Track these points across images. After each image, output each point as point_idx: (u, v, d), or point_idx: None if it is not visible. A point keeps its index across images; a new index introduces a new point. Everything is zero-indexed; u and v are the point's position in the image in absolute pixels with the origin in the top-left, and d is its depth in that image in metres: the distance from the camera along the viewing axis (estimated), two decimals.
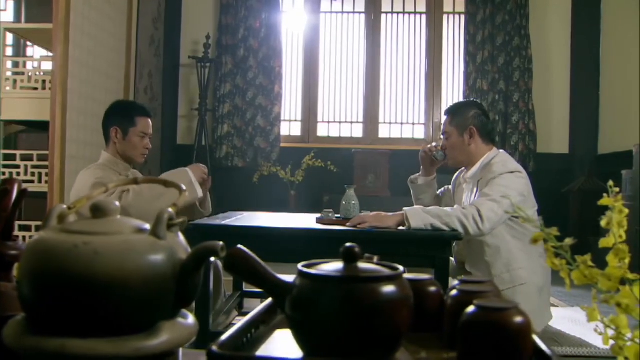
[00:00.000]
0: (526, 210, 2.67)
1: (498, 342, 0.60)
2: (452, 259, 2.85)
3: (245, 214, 2.97)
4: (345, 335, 0.61)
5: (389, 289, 0.62)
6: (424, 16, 5.76)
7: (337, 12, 5.85)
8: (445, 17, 5.75)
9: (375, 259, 0.74)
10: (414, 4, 5.77)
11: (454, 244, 2.83)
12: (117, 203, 2.06)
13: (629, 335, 0.81)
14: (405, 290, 0.64)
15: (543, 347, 0.62)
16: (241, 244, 2.34)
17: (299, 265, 0.66)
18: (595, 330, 0.84)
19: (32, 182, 3.67)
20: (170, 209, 0.67)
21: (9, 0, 5.96)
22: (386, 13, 5.80)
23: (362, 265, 0.66)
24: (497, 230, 2.46)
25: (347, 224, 2.39)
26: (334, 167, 5.32)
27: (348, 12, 5.85)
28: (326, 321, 0.61)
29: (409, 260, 2.47)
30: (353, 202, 2.61)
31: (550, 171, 5.32)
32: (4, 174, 3.66)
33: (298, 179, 5.34)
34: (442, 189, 3.01)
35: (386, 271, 0.65)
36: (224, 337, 0.63)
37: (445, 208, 2.42)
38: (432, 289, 0.78)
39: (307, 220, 2.66)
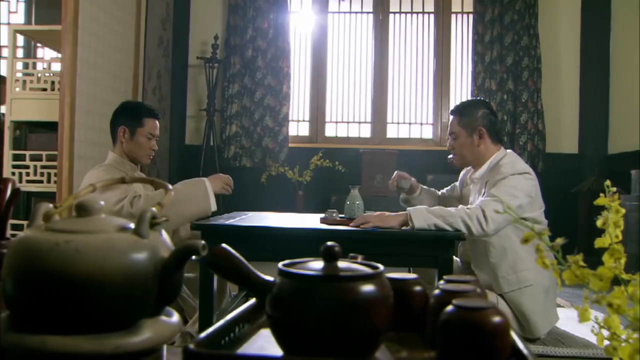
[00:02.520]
0: (533, 211, 2.64)
1: (475, 341, 0.60)
2: (457, 259, 2.84)
3: (250, 214, 2.98)
4: (323, 334, 0.61)
5: (367, 287, 0.62)
6: (432, 16, 5.74)
7: (345, 12, 5.85)
8: (453, 16, 5.73)
9: (360, 258, 0.74)
10: (422, 4, 5.75)
11: (460, 245, 2.82)
12: (129, 210, 2.06)
13: (624, 336, 0.81)
14: (385, 289, 0.64)
15: (521, 347, 0.62)
16: (243, 244, 2.35)
17: (280, 264, 0.67)
18: (592, 331, 0.83)
19: (41, 182, 3.71)
20: (153, 208, 0.67)
21: (20, 2, 6.03)
22: (394, 13, 5.79)
23: (342, 264, 0.66)
24: (503, 231, 2.45)
25: (351, 224, 2.39)
26: (342, 167, 5.32)
27: (356, 12, 5.84)
28: (304, 319, 0.62)
29: (412, 260, 2.47)
30: (357, 202, 2.61)
31: (560, 171, 5.28)
32: (13, 174, 3.69)
33: (306, 179, 5.34)
34: (449, 186, 3.00)
35: (365, 270, 0.65)
36: (202, 335, 0.63)
37: (449, 208, 2.41)
38: (417, 288, 0.78)
39: (311, 220, 2.66)
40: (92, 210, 0.68)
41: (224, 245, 0.70)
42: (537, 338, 2.58)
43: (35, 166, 3.71)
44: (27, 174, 3.71)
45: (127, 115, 2.65)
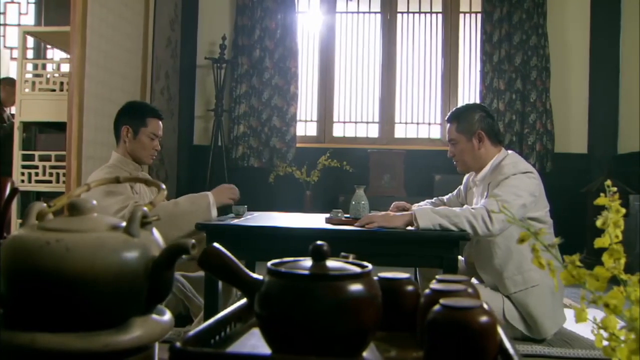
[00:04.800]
0: (538, 210, 2.62)
1: (461, 340, 0.60)
2: (462, 259, 2.83)
3: (256, 214, 2.99)
4: (311, 332, 0.61)
5: (355, 287, 0.62)
6: (440, 15, 5.72)
7: (352, 12, 5.84)
8: (461, 16, 5.70)
9: (351, 257, 0.74)
10: (430, 4, 5.73)
11: (466, 245, 2.81)
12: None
13: (623, 336, 0.81)
14: (373, 288, 0.64)
15: (508, 346, 0.62)
16: (248, 244, 2.34)
17: (269, 263, 0.67)
18: (592, 332, 0.83)
19: (50, 182, 3.74)
20: (145, 208, 0.68)
21: (30, 3, 6.08)
22: (402, 13, 5.77)
23: (331, 263, 0.66)
24: (508, 232, 2.43)
25: (356, 224, 2.39)
26: (350, 167, 5.32)
27: (364, 12, 5.83)
28: (292, 318, 0.62)
29: (416, 260, 2.46)
30: (362, 202, 2.60)
31: (568, 171, 5.23)
32: (22, 174, 3.73)
33: (313, 179, 5.34)
34: (455, 191, 2.99)
35: (353, 269, 0.65)
36: (190, 333, 0.63)
37: (454, 208, 2.40)
38: (409, 288, 0.78)
39: (316, 220, 2.66)
40: (84, 209, 0.69)
41: (215, 244, 0.70)
42: (544, 339, 2.56)
43: (44, 166, 3.74)
44: (36, 174, 3.74)
45: (131, 115, 2.67)
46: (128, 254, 0.65)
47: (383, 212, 2.47)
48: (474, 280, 2.83)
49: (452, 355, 0.60)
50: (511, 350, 0.60)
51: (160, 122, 2.71)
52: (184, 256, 0.66)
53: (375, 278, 0.73)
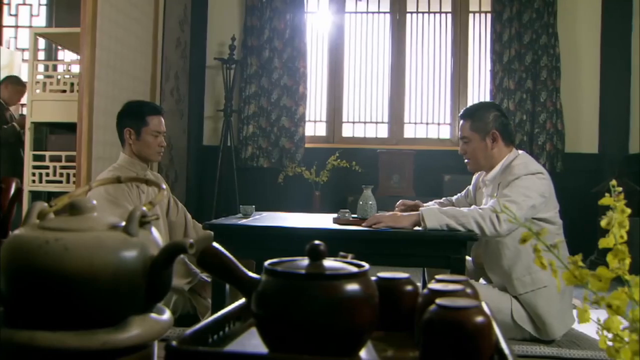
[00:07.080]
0: (548, 211, 2.60)
1: (456, 340, 0.60)
2: (469, 259, 2.82)
3: (265, 214, 3.00)
4: (307, 332, 0.61)
5: (351, 286, 0.62)
6: (449, 15, 5.70)
7: (362, 12, 5.83)
8: (471, 16, 5.67)
9: (350, 257, 0.74)
10: (440, 4, 5.71)
11: (474, 246, 2.80)
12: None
13: (627, 338, 0.80)
14: (369, 288, 0.64)
15: (504, 346, 0.62)
16: (255, 244, 2.35)
17: (266, 263, 0.67)
18: (597, 332, 0.83)
19: (60, 182, 3.77)
20: (144, 207, 0.68)
21: (42, 5, 6.13)
22: (411, 13, 5.76)
23: (328, 262, 0.66)
24: (517, 232, 2.42)
25: (363, 224, 2.39)
26: (359, 167, 5.31)
27: (373, 12, 5.82)
28: (288, 317, 0.62)
29: (424, 260, 2.46)
30: (370, 202, 2.60)
31: (579, 171, 5.19)
32: (33, 174, 3.76)
33: (323, 179, 5.34)
34: (464, 191, 2.98)
35: (349, 268, 0.65)
36: (188, 332, 0.64)
37: (462, 208, 2.40)
38: (408, 288, 0.78)
39: (324, 220, 2.67)
40: (84, 209, 0.70)
41: (214, 244, 0.71)
42: (552, 340, 2.55)
43: (54, 167, 3.77)
44: (47, 175, 3.77)
45: (130, 116, 2.66)
46: (126, 253, 0.65)
47: (390, 212, 2.47)
48: (482, 281, 2.81)
49: (447, 355, 0.60)
50: (507, 350, 0.60)
51: (162, 118, 2.69)
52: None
53: (374, 278, 0.74)
